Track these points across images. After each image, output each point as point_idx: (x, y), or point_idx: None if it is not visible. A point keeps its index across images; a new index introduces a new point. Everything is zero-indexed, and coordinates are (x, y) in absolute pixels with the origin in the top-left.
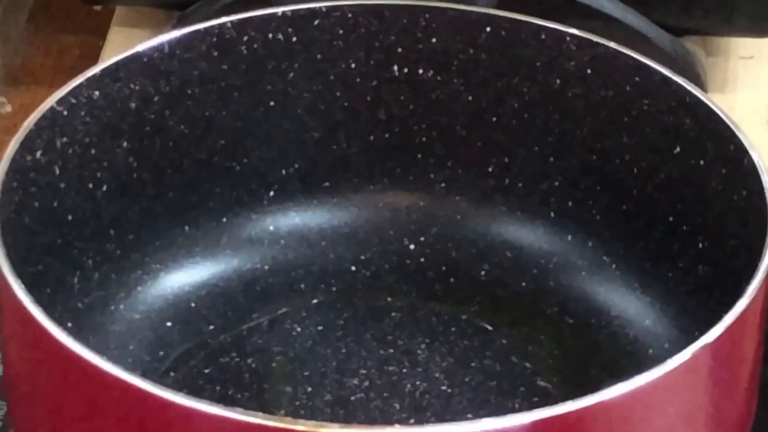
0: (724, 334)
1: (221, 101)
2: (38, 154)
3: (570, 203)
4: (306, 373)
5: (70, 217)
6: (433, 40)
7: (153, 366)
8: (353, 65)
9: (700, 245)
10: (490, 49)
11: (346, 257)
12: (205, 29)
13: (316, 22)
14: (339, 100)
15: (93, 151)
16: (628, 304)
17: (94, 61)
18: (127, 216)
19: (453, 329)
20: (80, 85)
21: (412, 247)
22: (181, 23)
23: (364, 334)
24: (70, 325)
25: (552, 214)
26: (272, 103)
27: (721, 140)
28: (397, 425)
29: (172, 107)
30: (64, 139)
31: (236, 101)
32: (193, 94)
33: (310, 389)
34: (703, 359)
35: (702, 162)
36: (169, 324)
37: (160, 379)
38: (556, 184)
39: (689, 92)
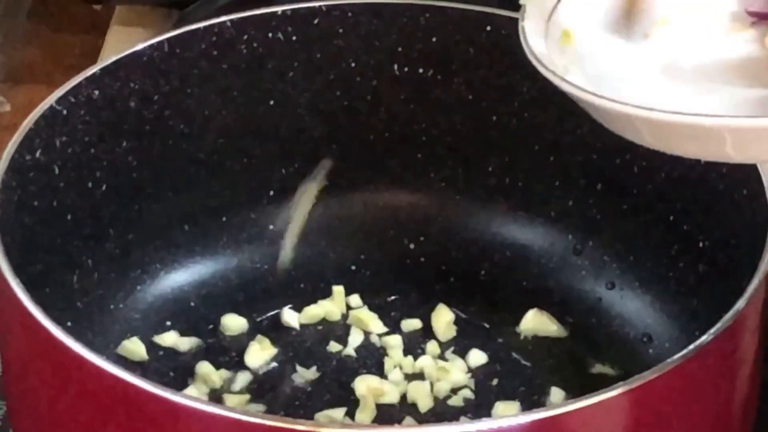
0: (724, 334)
1: (221, 100)
2: (38, 153)
3: (570, 203)
4: (306, 373)
5: (69, 217)
6: (433, 39)
7: (153, 366)
8: (353, 65)
9: (700, 245)
10: (490, 49)
11: (346, 257)
12: (205, 28)
13: (315, 21)
14: (339, 100)
15: (92, 151)
16: (628, 304)
17: (94, 60)
18: (127, 216)
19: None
20: (80, 84)
21: (412, 247)
22: (180, 22)
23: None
24: (70, 324)
25: (552, 214)
26: (272, 103)
27: None
28: (397, 425)
29: (171, 106)
30: (64, 139)
31: (236, 100)
32: (192, 93)
33: (310, 389)
34: (702, 359)
35: (702, 161)
36: (168, 323)
37: (160, 379)
38: (556, 184)
39: None
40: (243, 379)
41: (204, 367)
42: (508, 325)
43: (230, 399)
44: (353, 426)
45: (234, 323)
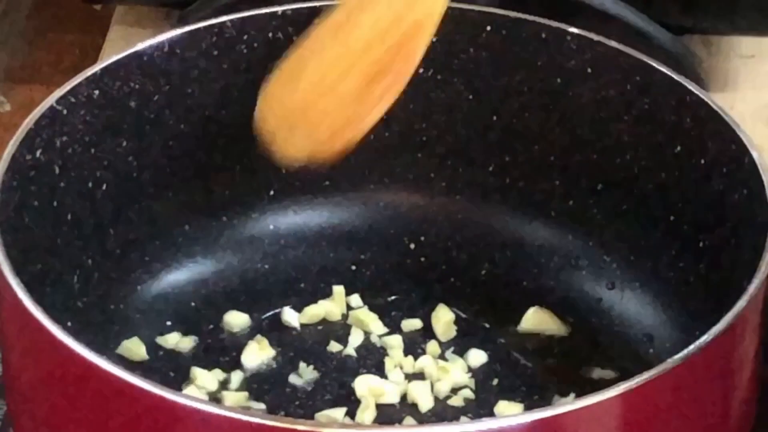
0: (724, 334)
1: (221, 100)
2: (38, 153)
3: (570, 203)
4: (306, 373)
5: (69, 217)
6: (433, 39)
7: (153, 366)
8: None
9: (701, 245)
10: (490, 49)
11: (346, 257)
12: (205, 28)
13: (315, 21)
14: None
15: (93, 151)
16: (628, 304)
17: (94, 60)
18: (127, 216)
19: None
20: (80, 84)
21: (412, 247)
22: (181, 22)
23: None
24: (70, 324)
25: (552, 214)
26: None
27: (721, 139)
28: (397, 425)
29: (172, 106)
30: (64, 138)
31: (236, 100)
32: (193, 93)
33: (310, 389)
34: (703, 359)
35: (702, 161)
36: (169, 323)
37: (160, 379)
38: (557, 183)
39: (690, 91)
40: (241, 379)
41: (198, 372)
42: (508, 325)
43: (229, 398)
44: (353, 426)
45: (236, 320)
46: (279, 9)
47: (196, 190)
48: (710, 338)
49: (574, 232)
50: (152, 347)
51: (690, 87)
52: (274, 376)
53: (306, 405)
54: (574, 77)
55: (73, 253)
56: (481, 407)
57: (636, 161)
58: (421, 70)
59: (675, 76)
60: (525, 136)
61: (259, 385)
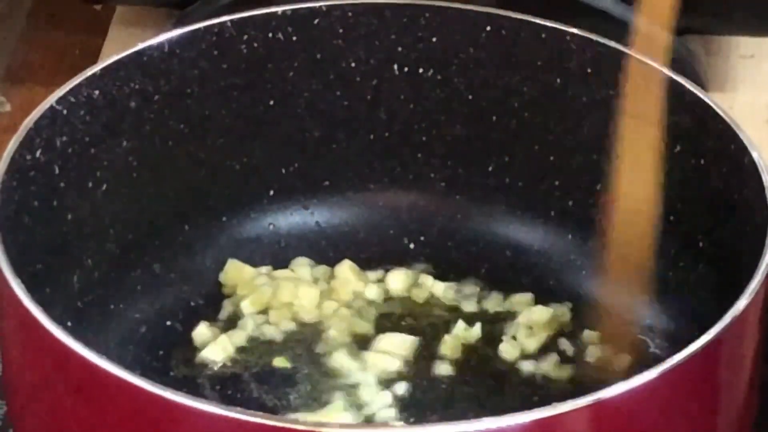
0: (724, 334)
1: (221, 100)
2: (38, 153)
3: (570, 203)
4: (306, 373)
5: (69, 217)
6: (433, 39)
7: (153, 366)
8: (353, 65)
9: (700, 245)
10: (490, 49)
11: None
12: (205, 28)
13: (316, 21)
14: (339, 100)
15: (93, 151)
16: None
17: (94, 60)
18: (127, 215)
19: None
20: (80, 85)
21: (412, 246)
22: (181, 22)
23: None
24: (70, 324)
25: (552, 214)
26: (272, 103)
27: (721, 139)
28: (396, 425)
29: (171, 106)
30: (64, 139)
31: (236, 101)
32: (193, 93)
33: (310, 389)
34: (703, 359)
35: (702, 161)
36: (168, 323)
37: (160, 379)
38: (556, 183)
39: (689, 91)
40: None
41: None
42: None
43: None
44: (353, 426)
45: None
46: (279, 9)
47: (196, 190)
48: (710, 338)
49: (574, 232)
50: (152, 347)
51: (689, 87)
52: (274, 375)
53: (306, 404)
54: (574, 78)
55: (73, 253)
56: (481, 407)
57: None
58: (421, 70)
59: (674, 76)
60: (525, 136)
61: (258, 385)
